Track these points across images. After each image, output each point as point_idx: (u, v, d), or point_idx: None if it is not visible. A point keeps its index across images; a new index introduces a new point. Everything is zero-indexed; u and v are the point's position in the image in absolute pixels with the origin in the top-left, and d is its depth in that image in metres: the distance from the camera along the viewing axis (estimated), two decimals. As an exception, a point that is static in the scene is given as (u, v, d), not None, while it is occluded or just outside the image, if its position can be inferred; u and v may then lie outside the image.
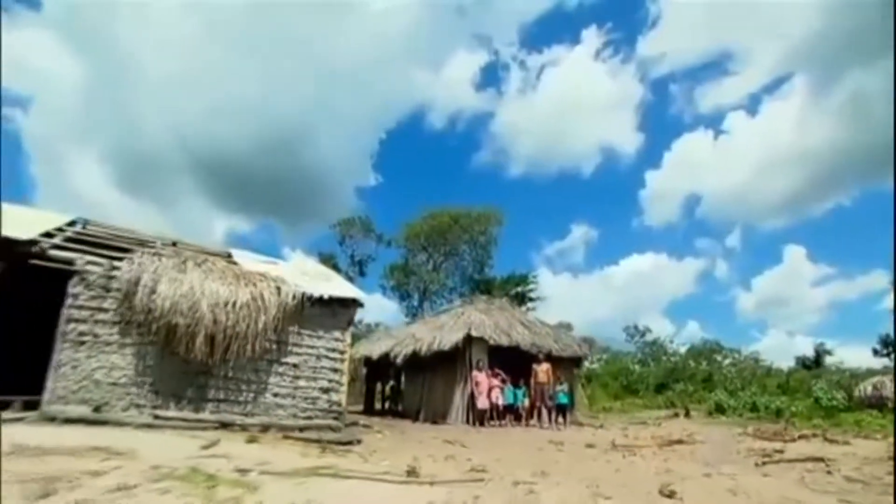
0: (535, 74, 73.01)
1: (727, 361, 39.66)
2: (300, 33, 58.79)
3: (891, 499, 4.09)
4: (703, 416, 16.21)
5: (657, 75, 72.53)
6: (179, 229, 69.27)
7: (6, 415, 6.66)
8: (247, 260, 11.20)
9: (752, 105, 70.09)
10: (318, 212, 66.70)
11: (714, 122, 71.64)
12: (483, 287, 37.58)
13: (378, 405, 17.08)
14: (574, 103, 67.81)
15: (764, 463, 6.03)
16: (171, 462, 4.38)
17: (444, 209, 35.51)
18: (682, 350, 39.86)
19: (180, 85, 57.95)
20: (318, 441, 7.38)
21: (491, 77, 76.49)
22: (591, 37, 72.78)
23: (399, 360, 13.67)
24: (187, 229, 69.02)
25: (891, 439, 7.86)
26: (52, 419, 6.76)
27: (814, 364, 28.53)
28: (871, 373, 27.62)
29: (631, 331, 44.44)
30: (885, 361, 28.30)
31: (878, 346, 29.73)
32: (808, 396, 16.37)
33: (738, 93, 72.31)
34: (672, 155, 67.53)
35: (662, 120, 72.70)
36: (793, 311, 65.06)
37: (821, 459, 6.00)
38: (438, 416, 12.53)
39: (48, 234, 7.96)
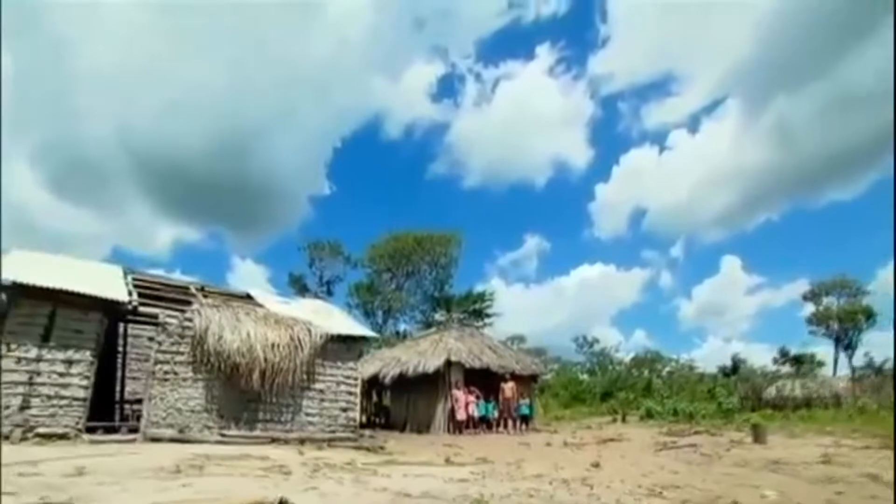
0: (490, 87, 77.47)
1: (666, 369, 45.04)
2: (257, 34, 58.43)
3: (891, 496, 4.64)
4: (637, 420, 20.04)
5: (607, 92, 79.00)
6: (121, 237, 66.79)
7: (121, 437, 9.03)
8: (266, 300, 13.75)
9: (692, 124, 77.82)
10: (270, 220, 66.71)
11: (659, 138, 78.88)
12: (443, 304, 40.82)
13: (364, 419, 19.68)
14: (528, 117, 72.56)
15: (660, 449, 9.45)
16: (289, 461, 7.10)
17: (407, 232, 38.44)
18: (628, 359, 44.69)
19: (125, 80, 54.73)
20: (356, 446, 10.15)
21: (447, 88, 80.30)
22: (545, 53, 78.22)
23: (387, 381, 16.51)
24: (130, 237, 66.88)
25: (732, 434, 11.57)
26: (153, 440, 9.17)
27: (731, 371, 33.70)
28: (777, 377, 33.17)
29: (580, 341, 48.96)
30: (787, 368, 33.95)
31: (777, 356, 35.45)
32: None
33: (681, 112, 80.00)
34: (620, 169, 73.36)
35: (611, 135, 78.99)
36: (728, 318, 72.18)
37: (694, 445, 9.50)
38: (423, 427, 15.47)
39: (129, 293, 10.28)
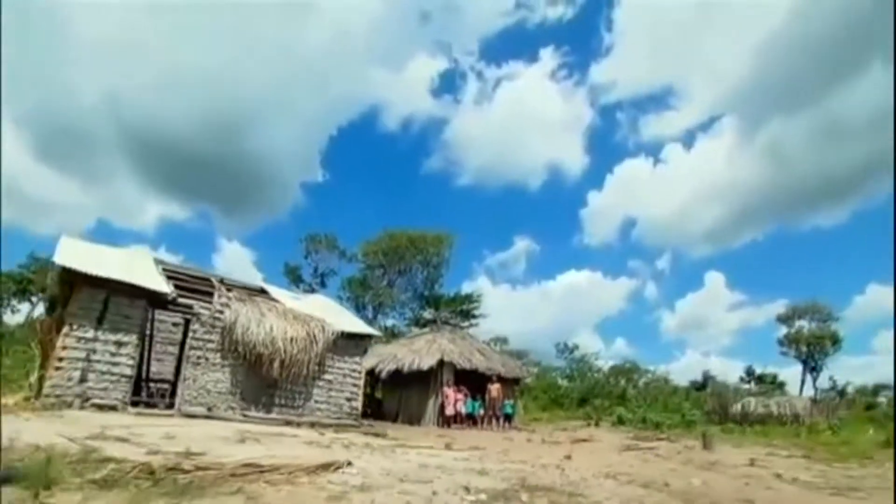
0: (491, 86, 79.20)
1: (642, 380, 47.31)
2: (258, 16, 58.91)
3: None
4: (609, 426, 21.92)
5: (606, 101, 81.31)
6: (105, 210, 66.80)
7: (160, 411, 10.51)
8: (279, 294, 15.24)
9: (687, 139, 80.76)
10: (260, 204, 67.34)
11: (654, 150, 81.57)
12: (432, 303, 42.44)
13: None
14: (526, 119, 74.45)
15: (624, 450, 11.20)
16: (319, 439, 8.67)
17: (402, 230, 39.89)
18: (607, 367, 46.82)
19: (117, 52, 55.12)
20: (362, 432, 11.74)
21: (448, 84, 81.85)
22: (548, 57, 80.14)
23: (383, 375, 18.12)
24: (115, 210, 66.92)
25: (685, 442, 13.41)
26: (187, 415, 10.66)
27: (702, 386, 35.96)
28: (746, 393, 35.50)
29: (561, 347, 50.97)
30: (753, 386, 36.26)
31: (743, 375, 37.83)
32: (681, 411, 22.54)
33: (677, 126, 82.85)
34: (613, 178, 75.84)
35: (607, 144, 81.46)
36: (709, 333, 75.13)
37: (652, 448, 11.28)
38: (414, 419, 17.12)
39: (169, 285, 11.70)
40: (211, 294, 12.48)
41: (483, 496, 4.08)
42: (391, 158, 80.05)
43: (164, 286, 11.22)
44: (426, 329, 22.53)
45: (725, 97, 71.51)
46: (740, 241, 74.53)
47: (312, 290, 37.22)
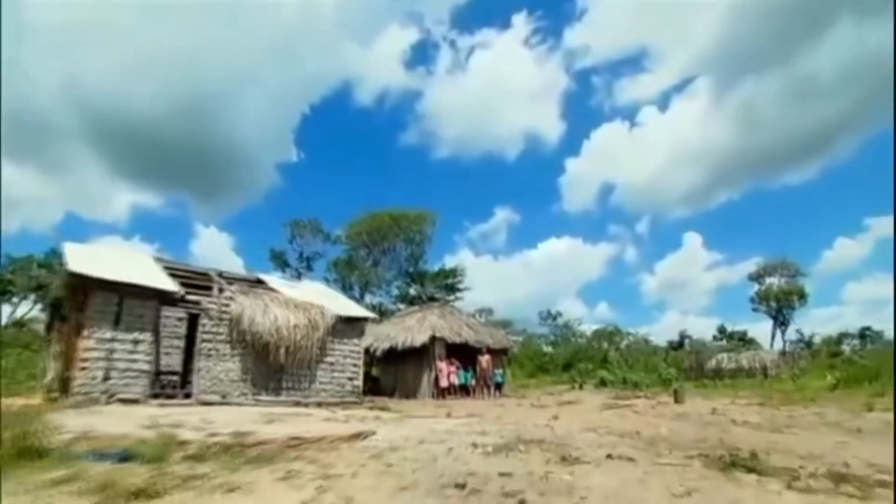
0: (464, 56, 78.65)
1: (624, 343, 49.62)
2: None
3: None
4: (593, 388, 23.60)
5: (581, 66, 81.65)
6: (73, 202, 65.29)
7: (179, 401, 11.43)
8: (275, 284, 16.07)
9: (662, 101, 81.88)
10: (235, 187, 66.54)
11: (630, 114, 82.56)
12: (417, 279, 43.56)
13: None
14: (501, 88, 74.42)
15: (605, 409, 12.59)
16: (334, 416, 9.74)
17: (384, 210, 40.56)
18: (590, 331, 48.89)
19: (76, 35, 53.15)
20: (368, 407, 12.86)
21: (421, 56, 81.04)
22: (521, 22, 79.60)
23: (378, 353, 19.24)
24: (83, 202, 65.50)
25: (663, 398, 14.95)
26: (204, 403, 11.60)
27: (678, 345, 38.18)
28: (720, 350, 37.91)
29: (544, 314, 52.91)
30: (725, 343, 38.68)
31: (716, 333, 40.24)
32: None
33: (651, 89, 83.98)
34: (590, 144, 76.72)
35: (583, 109, 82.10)
36: (687, 293, 77.95)
37: (630, 406, 12.71)
38: (410, 393, 18.36)
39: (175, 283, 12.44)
40: (210, 288, 13.27)
41: (489, 448, 5.19)
42: (366, 134, 79.64)
43: (172, 285, 11.98)
44: (416, 307, 23.61)
45: (698, 58, 72.66)
46: (716, 201, 76.99)
47: (299, 274, 37.92)
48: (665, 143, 74.91)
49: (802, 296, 42.90)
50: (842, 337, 48.75)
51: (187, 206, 72.40)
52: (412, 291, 42.53)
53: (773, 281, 48.01)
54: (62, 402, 10.18)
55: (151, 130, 55.62)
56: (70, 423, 6.19)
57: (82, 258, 11.65)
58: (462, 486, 3.42)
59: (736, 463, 4.44)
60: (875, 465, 4.77)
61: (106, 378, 10.59)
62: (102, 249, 13.64)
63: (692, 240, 74.46)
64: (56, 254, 36.24)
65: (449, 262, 72.95)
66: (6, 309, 35.82)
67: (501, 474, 3.88)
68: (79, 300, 11.39)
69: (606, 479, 3.81)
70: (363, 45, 73.10)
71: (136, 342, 11.11)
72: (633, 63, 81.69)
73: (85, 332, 10.57)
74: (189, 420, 7.42)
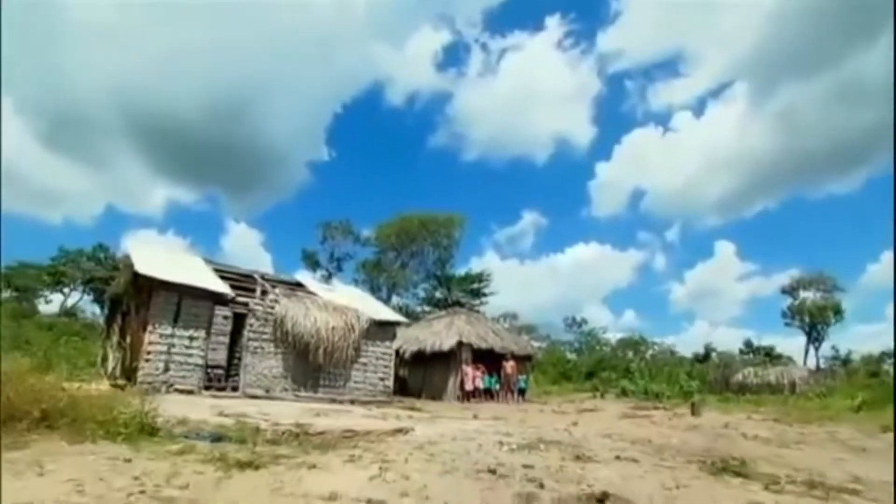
0: (495, 58, 79.19)
1: (650, 352, 49.48)
2: None
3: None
4: (614, 397, 24.10)
5: (614, 70, 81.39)
6: (113, 195, 68.63)
7: (228, 393, 12.64)
8: (314, 286, 17.26)
9: (697, 107, 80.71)
10: (267, 184, 68.87)
11: (663, 119, 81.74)
12: (444, 283, 44.54)
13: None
14: (532, 91, 74.61)
15: (623, 418, 13.26)
16: (367, 412, 10.74)
17: (414, 213, 41.74)
18: (615, 340, 48.94)
19: (118, 35, 55.74)
20: (401, 407, 13.84)
21: (452, 58, 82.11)
22: (554, 25, 79.67)
23: (407, 356, 20.27)
24: (122, 196, 68.77)
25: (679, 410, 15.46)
26: (250, 396, 12.79)
27: (704, 358, 38.08)
28: (747, 363, 37.59)
29: (569, 321, 53.14)
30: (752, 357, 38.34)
31: (742, 347, 39.85)
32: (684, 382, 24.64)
33: (686, 94, 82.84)
34: (622, 148, 76.07)
35: (615, 114, 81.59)
36: (718, 303, 76.42)
37: (648, 416, 13.34)
38: (436, 395, 19.32)
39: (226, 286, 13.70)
40: (254, 290, 14.50)
41: (514, 446, 6.07)
42: (396, 134, 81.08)
43: (224, 287, 13.24)
44: (443, 313, 24.56)
45: (736, 62, 71.43)
46: (752, 210, 75.56)
47: (329, 275, 39.43)
48: (699, 148, 73.91)
49: (838, 311, 42.08)
50: (883, 356, 47.51)
51: (219, 201, 75.31)
52: (438, 294, 43.57)
53: (808, 295, 47.15)
54: (129, 390, 11.49)
55: (187, 127, 58.28)
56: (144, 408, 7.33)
57: (146, 259, 13.00)
58: (493, 472, 4.31)
59: (727, 468, 5.20)
60: (859, 478, 5.45)
61: (166, 369, 11.89)
62: (160, 251, 15.03)
63: (724, 248, 73.15)
64: (103, 248, 38.73)
65: (475, 264, 73.64)
66: (58, 298, 38.46)
67: (524, 466, 4.76)
68: (143, 298, 12.74)
69: (611, 474, 4.64)
70: (395, 46, 74.62)
71: (191, 338, 12.38)
72: (667, 67, 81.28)
73: (149, 328, 11.87)
74: (248, 411, 8.52)
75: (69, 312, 35.94)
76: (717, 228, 76.44)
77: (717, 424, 11.33)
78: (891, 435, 9.56)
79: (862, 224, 70.51)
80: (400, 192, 78.82)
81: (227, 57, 60.55)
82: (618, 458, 5.75)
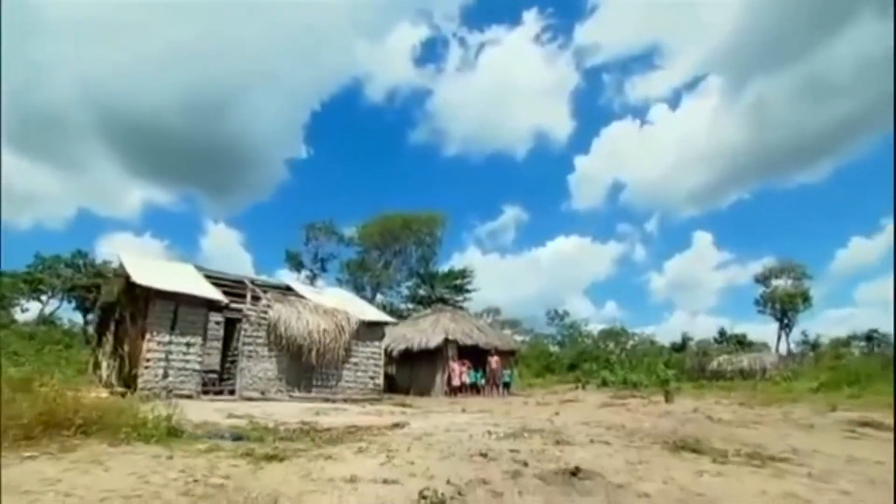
0: (474, 53, 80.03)
1: (630, 343, 51.00)
2: None
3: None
4: (595, 388, 25.19)
5: (591, 64, 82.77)
6: (86, 198, 67.31)
7: (225, 397, 13.19)
8: (302, 290, 17.83)
9: (673, 100, 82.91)
10: (245, 183, 68.54)
11: (640, 112, 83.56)
12: (427, 281, 45.27)
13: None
14: (511, 85, 75.71)
15: (601, 407, 14.21)
16: (362, 409, 11.45)
17: (396, 212, 42.34)
18: (596, 331, 50.34)
19: (90, 32, 55.16)
20: (393, 403, 14.55)
21: (430, 53, 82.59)
22: (532, 19, 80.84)
23: (395, 354, 20.98)
24: (96, 198, 67.47)
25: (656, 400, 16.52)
26: (246, 399, 13.36)
27: (681, 347, 39.64)
28: (722, 351, 39.28)
29: (552, 314, 54.41)
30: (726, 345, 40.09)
31: (716, 336, 41.59)
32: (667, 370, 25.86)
33: (662, 87, 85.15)
34: (600, 142, 77.95)
35: (593, 107, 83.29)
36: (697, 293, 78.93)
37: (625, 404, 14.32)
38: (424, 391, 20.09)
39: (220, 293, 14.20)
40: (244, 295, 15.03)
41: (501, 435, 6.85)
42: (376, 131, 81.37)
43: (218, 294, 13.75)
44: (429, 311, 25.33)
45: (710, 56, 73.66)
46: (727, 200, 78.03)
47: (314, 275, 39.82)
48: (675, 141, 75.99)
49: (806, 298, 44.14)
50: (850, 339, 49.91)
51: (197, 202, 74.64)
52: (422, 292, 44.28)
53: (780, 283, 49.19)
54: (130, 397, 11.96)
55: (164, 127, 57.50)
56: (164, 413, 7.91)
57: (141, 268, 13.43)
58: (484, 455, 5.08)
59: (685, 446, 6.07)
60: (796, 449, 6.37)
61: (165, 376, 12.40)
62: (152, 261, 15.42)
63: (702, 239, 75.57)
64: (82, 254, 38.41)
65: (457, 259, 74.73)
66: (35, 306, 37.99)
67: (511, 450, 5.53)
68: (139, 307, 13.19)
69: (585, 454, 5.45)
70: (374, 43, 74.75)
71: (188, 345, 12.90)
72: (643, 61, 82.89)
73: (147, 336, 12.36)
74: (253, 412, 9.17)
75: (48, 320, 35.65)
76: (694, 219, 78.82)
77: (688, 410, 12.33)
78: (837, 413, 10.67)
79: (830, 212, 73.57)
80: (380, 188, 79.13)
81: (204, 55, 60.01)
82: (592, 441, 6.59)
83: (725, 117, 73.38)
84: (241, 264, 61.57)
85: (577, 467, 4.46)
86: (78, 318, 37.30)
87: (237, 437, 5.93)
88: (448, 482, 3.95)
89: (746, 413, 11.43)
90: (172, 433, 5.80)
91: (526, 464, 4.74)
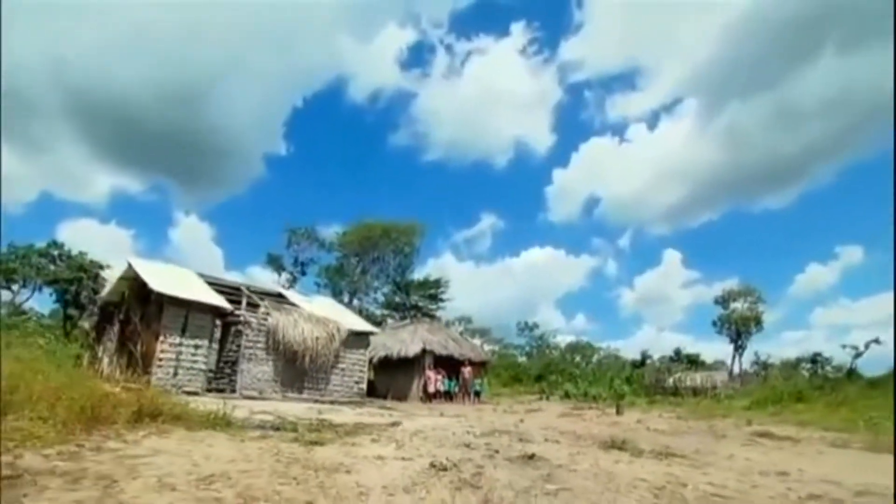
0: (460, 61, 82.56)
1: (595, 356, 53.89)
2: None
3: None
4: (558, 399, 27.60)
5: (574, 79, 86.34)
6: (49, 181, 65.48)
7: (230, 395, 14.89)
8: (294, 298, 19.60)
9: (651, 120, 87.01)
10: (220, 176, 68.31)
11: (619, 130, 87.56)
12: (403, 288, 47.17)
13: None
14: (495, 95, 78.45)
15: (561, 416, 16.45)
16: (354, 410, 13.36)
17: (376, 221, 44.13)
18: (564, 344, 53.11)
19: (62, 9, 54.34)
20: (377, 407, 16.46)
21: (417, 57, 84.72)
22: (519, 31, 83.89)
23: (375, 361, 22.88)
24: (60, 182, 65.60)
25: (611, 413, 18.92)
26: (247, 397, 15.09)
27: (640, 363, 42.66)
28: (678, 369, 42.43)
29: (522, 325, 56.97)
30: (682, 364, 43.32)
31: (672, 355, 44.85)
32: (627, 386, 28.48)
33: (641, 107, 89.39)
34: (579, 156, 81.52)
35: (574, 122, 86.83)
36: (664, 309, 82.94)
37: (581, 415, 16.61)
38: (402, 397, 22.05)
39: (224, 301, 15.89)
40: (240, 301, 16.75)
41: (477, 433, 8.93)
42: (357, 131, 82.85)
43: (223, 302, 15.45)
44: (407, 321, 27.31)
45: (688, 80, 78.07)
46: (697, 220, 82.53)
47: (294, 278, 41.27)
48: (651, 160, 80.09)
49: (759, 322, 47.88)
50: (798, 361, 54.07)
51: (168, 192, 74.44)
52: (397, 299, 46.16)
53: (738, 306, 52.97)
54: (160, 393, 13.57)
55: (136, 112, 56.75)
56: (214, 408, 9.69)
57: (154, 275, 15.04)
58: (467, 446, 7.14)
59: (614, 446, 8.26)
60: (698, 450, 8.63)
61: (175, 374, 14.06)
62: (158, 266, 16.95)
63: (671, 257, 79.72)
64: (57, 244, 38.82)
65: (432, 266, 76.58)
66: (5, 295, 38.11)
67: (486, 444, 7.60)
68: (150, 310, 14.79)
69: (540, 448, 7.56)
70: (360, 41, 76.21)
71: (196, 347, 14.59)
72: (625, 80, 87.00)
73: (161, 338, 14.01)
74: (266, 409, 11.00)
75: (20, 311, 35.98)
76: (665, 237, 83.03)
77: (633, 421, 14.68)
78: (750, 427, 13.14)
79: (792, 238, 78.69)
80: (359, 190, 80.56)
81: (181, 39, 59.83)
82: (547, 440, 8.74)
83: (700, 140, 77.98)
84: (211, 259, 61.91)
85: (533, 454, 6.57)
86: (47, 310, 37.69)
87: (276, 428, 7.83)
88: (447, 459, 6.00)
89: (680, 425, 13.82)
90: (224, 423, 7.65)
91: (497, 451, 6.83)
